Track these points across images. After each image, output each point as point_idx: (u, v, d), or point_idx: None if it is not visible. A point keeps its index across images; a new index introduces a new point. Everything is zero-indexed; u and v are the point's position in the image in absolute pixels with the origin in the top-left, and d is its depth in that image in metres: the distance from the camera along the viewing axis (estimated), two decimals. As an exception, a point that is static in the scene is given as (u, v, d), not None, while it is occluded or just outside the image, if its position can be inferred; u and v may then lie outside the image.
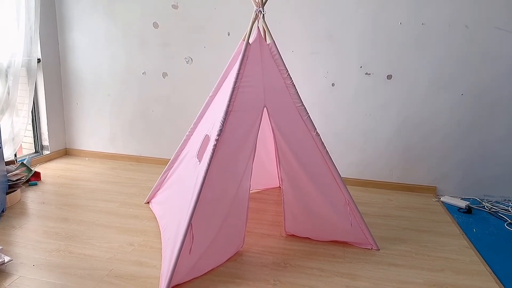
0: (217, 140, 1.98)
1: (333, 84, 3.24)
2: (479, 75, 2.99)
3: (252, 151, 2.14)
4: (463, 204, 2.98)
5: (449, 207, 2.99)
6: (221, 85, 2.42)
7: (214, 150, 1.97)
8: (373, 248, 2.30)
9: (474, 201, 3.12)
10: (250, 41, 2.15)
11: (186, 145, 2.60)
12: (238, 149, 2.10)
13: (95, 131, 3.87)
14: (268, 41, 2.18)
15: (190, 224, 1.88)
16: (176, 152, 2.63)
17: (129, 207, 2.75)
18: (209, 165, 1.94)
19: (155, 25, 3.47)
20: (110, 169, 3.59)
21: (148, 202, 2.82)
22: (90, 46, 3.64)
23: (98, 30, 3.59)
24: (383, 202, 3.06)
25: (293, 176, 2.25)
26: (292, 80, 2.19)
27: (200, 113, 2.52)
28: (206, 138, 2.23)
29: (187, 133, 2.58)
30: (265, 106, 2.18)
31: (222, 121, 2.00)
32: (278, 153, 2.23)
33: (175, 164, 2.63)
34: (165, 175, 2.71)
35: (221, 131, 1.99)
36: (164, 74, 3.56)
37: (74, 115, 3.87)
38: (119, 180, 3.30)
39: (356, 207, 2.26)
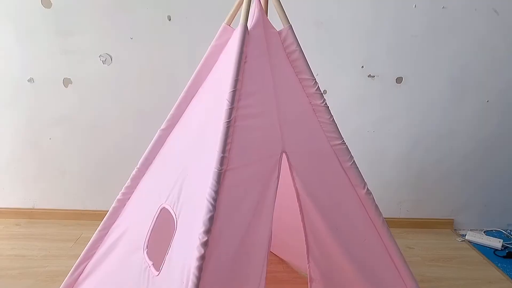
0: (206, 242, 0.91)
1: (324, 91, 2.31)
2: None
3: (267, 243, 1.10)
4: (495, 243, 2.33)
5: (483, 250, 2.29)
6: (188, 110, 1.31)
7: (202, 258, 0.91)
8: None
9: (499, 233, 2.49)
10: (248, 25, 1.10)
11: (118, 216, 1.43)
12: (241, 243, 1.05)
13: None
14: (283, 24, 1.15)
15: None
16: (100, 230, 1.44)
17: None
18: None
19: (46, 3, 2.15)
20: (-21, 237, 2.20)
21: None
22: None
23: None
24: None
25: (332, 272, 1.27)
26: (324, 99, 1.19)
27: (144, 161, 1.37)
28: (165, 215, 1.14)
29: (118, 197, 1.41)
30: (283, 151, 1.14)
31: (213, 197, 0.94)
32: (307, 233, 1.22)
33: (99, 254, 1.44)
34: (80, 270, 1.50)
35: (212, 219, 0.93)
36: (67, 81, 2.27)
37: None
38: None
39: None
